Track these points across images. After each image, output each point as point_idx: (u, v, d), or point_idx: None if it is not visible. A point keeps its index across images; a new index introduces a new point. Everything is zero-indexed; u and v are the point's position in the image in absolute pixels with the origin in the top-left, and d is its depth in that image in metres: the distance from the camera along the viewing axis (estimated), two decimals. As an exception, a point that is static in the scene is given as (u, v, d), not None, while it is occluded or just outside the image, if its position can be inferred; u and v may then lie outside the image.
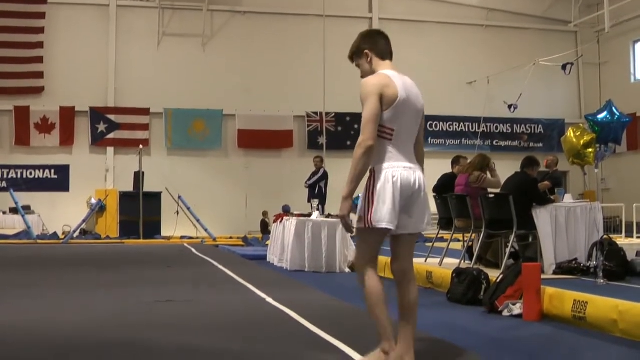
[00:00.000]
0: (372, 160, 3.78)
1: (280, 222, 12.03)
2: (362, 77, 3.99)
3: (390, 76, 3.84)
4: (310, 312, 5.59)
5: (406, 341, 3.82)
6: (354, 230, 3.89)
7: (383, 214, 3.74)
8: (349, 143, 21.75)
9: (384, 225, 3.74)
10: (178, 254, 13.62)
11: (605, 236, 7.78)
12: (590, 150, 9.12)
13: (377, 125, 3.73)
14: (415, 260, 10.26)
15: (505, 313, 6.27)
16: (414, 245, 4.07)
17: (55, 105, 21.92)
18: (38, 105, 21.90)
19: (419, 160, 4.00)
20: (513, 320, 6.08)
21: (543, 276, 6.55)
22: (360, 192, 3.88)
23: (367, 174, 3.84)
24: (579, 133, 9.32)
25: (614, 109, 8.91)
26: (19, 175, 21.71)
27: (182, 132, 22.66)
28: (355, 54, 4.04)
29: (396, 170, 3.79)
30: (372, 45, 3.99)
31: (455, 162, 10.17)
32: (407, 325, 3.84)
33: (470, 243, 9.13)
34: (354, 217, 3.91)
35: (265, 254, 12.86)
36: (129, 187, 19.99)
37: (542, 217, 7.81)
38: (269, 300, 6.60)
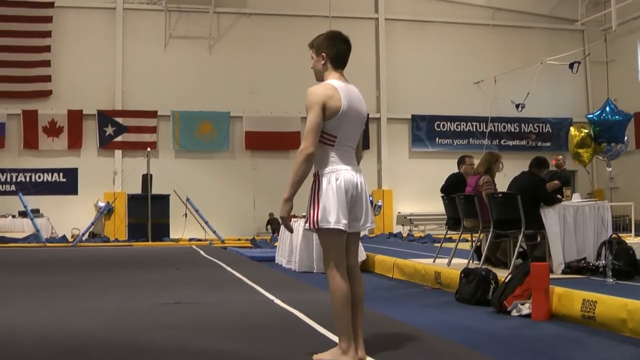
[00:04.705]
0: (315, 164, 4.00)
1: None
2: (313, 70, 4.20)
3: (336, 87, 4.00)
4: (319, 314, 5.58)
5: (356, 332, 3.99)
6: (293, 229, 4.09)
7: (329, 215, 3.89)
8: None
9: (331, 225, 3.88)
10: (186, 256, 13.65)
11: (614, 235, 7.74)
12: (584, 149, 9.09)
13: (319, 134, 3.93)
14: (423, 260, 10.25)
15: (514, 313, 6.26)
16: (359, 242, 4.30)
17: (63, 109, 22.07)
18: (46, 108, 22.04)
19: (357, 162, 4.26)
20: (522, 320, 6.07)
21: (552, 276, 6.53)
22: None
23: (312, 178, 4.04)
24: (575, 132, 9.32)
25: (613, 107, 8.87)
26: (27, 179, 21.84)
27: (189, 135, 22.75)
28: (315, 49, 4.17)
29: (339, 173, 3.98)
30: (331, 51, 4.11)
31: (461, 162, 10.13)
32: (356, 318, 4.00)
33: (479, 243, 9.10)
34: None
35: (274, 256, 12.87)
36: (137, 190, 20.07)
37: (551, 216, 7.79)
38: (277, 301, 6.61)
